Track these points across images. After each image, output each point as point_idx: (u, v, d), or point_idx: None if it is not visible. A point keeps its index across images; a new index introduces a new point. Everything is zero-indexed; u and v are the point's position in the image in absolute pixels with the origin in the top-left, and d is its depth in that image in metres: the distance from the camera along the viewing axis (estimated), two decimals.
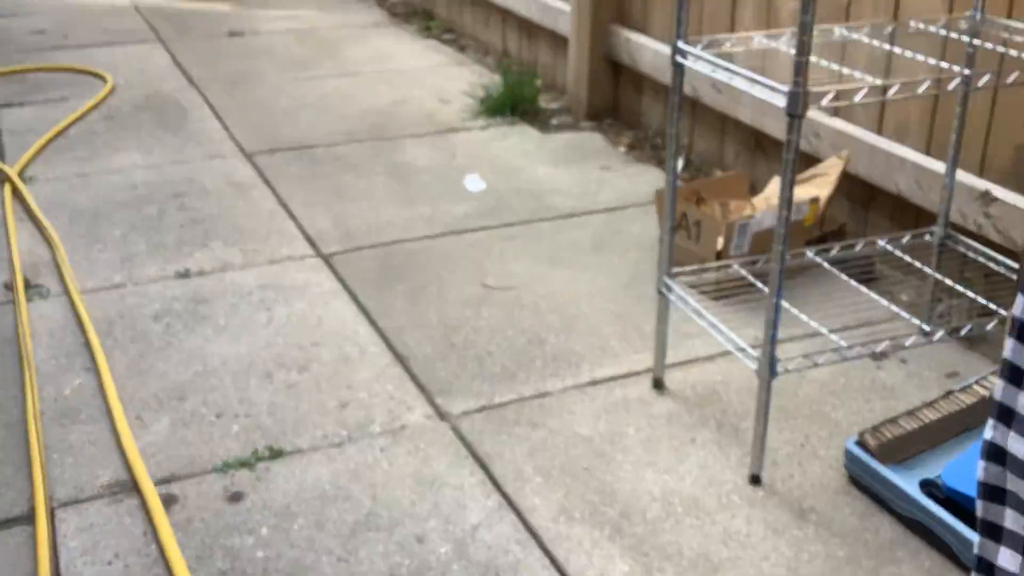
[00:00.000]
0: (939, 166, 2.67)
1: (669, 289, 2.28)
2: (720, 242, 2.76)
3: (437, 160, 3.80)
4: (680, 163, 3.72)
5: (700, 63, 2.05)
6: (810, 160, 3.09)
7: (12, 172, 3.54)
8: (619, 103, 4.18)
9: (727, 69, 1.98)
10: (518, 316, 2.73)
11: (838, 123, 2.99)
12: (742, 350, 2.10)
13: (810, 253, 2.44)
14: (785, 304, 2.09)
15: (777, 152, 3.30)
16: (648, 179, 3.60)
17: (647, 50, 3.83)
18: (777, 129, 3.21)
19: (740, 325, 2.50)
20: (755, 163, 3.42)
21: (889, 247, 2.46)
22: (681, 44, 2.07)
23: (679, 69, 2.12)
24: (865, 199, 3.00)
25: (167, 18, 5.73)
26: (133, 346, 2.57)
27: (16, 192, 3.43)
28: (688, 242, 2.81)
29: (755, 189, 3.28)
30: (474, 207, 3.40)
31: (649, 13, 3.86)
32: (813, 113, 2.99)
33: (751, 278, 2.37)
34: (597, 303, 2.79)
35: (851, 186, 2.97)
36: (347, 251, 3.10)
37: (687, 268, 2.45)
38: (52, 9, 5.87)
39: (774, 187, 3.04)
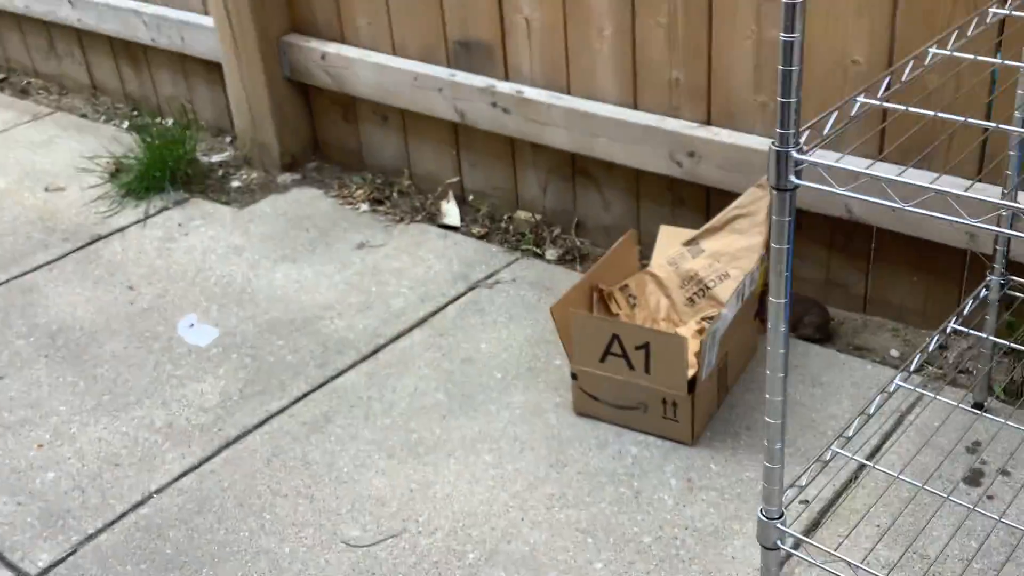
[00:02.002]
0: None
1: (793, 545, 1.34)
2: (692, 370, 1.85)
3: (105, 303, 2.44)
4: (453, 211, 2.70)
5: None
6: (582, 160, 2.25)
7: None
8: (323, 140, 3.03)
9: None
10: None
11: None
12: None
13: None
14: None
15: (618, 177, 2.42)
16: (437, 248, 2.56)
17: (360, 65, 2.72)
18: (613, 151, 2.33)
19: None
20: (584, 197, 2.51)
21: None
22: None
23: None
24: None
25: None
26: None
27: None
28: (632, 374, 1.86)
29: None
30: (220, 388, 2.17)
31: (347, 15, 2.73)
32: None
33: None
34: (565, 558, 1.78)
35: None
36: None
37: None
38: None
39: (668, 243, 2.16)
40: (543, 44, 2.39)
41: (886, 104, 1.22)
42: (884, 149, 1.98)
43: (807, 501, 1.75)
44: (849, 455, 1.50)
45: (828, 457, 1.47)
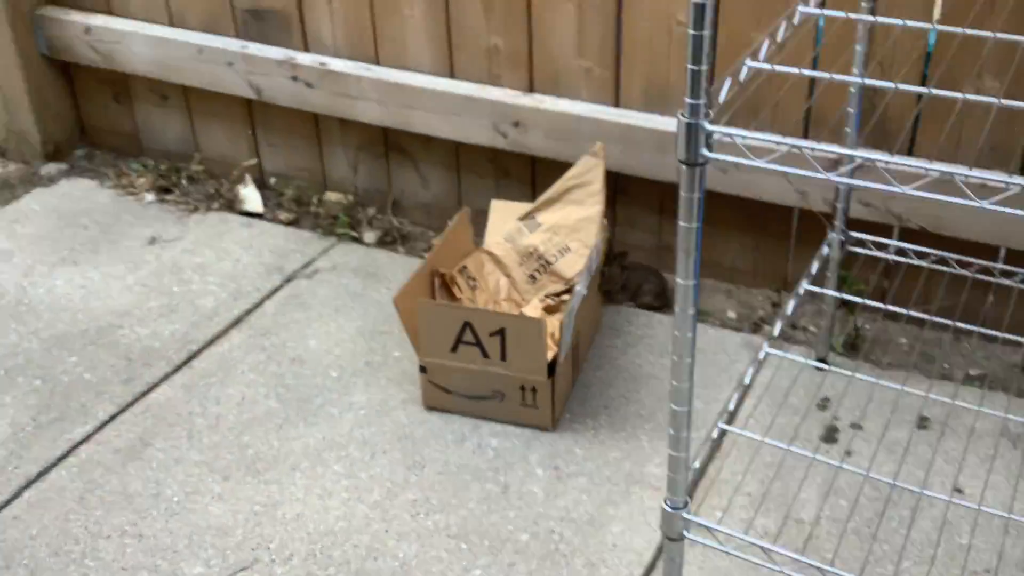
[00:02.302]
0: None
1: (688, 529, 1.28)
2: (550, 352, 1.75)
3: None
4: (253, 196, 2.48)
5: None
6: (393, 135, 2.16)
7: None
8: (91, 125, 2.69)
9: None
10: None
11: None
12: None
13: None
14: None
15: (436, 151, 2.28)
16: (242, 238, 2.33)
17: (134, 39, 2.42)
18: (432, 123, 2.19)
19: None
20: (400, 174, 2.36)
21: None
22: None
23: None
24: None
25: None
26: None
27: None
28: (487, 363, 1.75)
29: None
30: (9, 419, 1.87)
31: None
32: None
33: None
34: None
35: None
36: None
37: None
38: None
39: (502, 218, 2.05)
40: (346, 11, 2.21)
41: (777, 68, 1.16)
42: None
43: None
44: (738, 431, 1.47)
45: (716, 435, 1.42)
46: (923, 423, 1.79)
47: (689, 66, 0.99)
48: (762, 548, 1.24)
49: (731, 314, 2.09)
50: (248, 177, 2.51)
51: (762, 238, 2.10)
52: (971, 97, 1.06)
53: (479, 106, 2.12)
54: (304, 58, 2.27)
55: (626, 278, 2.07)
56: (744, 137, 1.01)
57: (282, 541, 1.62)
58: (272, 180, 2.52)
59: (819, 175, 1.00)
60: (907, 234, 1.85)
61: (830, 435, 1.78)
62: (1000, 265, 1.69)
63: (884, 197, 1.86)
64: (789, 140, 1.02)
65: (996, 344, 1.93)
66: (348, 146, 2.39)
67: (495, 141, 2.15)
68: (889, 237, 1.80)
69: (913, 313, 1.73)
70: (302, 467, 1.75)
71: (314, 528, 1.64)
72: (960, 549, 1.56)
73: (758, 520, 1.61)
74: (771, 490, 1.66)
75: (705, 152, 1.02)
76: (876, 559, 1.55)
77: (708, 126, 1.01)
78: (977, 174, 0.92)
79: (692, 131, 1.01)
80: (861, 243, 1.79)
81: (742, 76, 1.12)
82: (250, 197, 2.48)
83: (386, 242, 2.34)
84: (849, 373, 1.72)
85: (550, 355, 1.73)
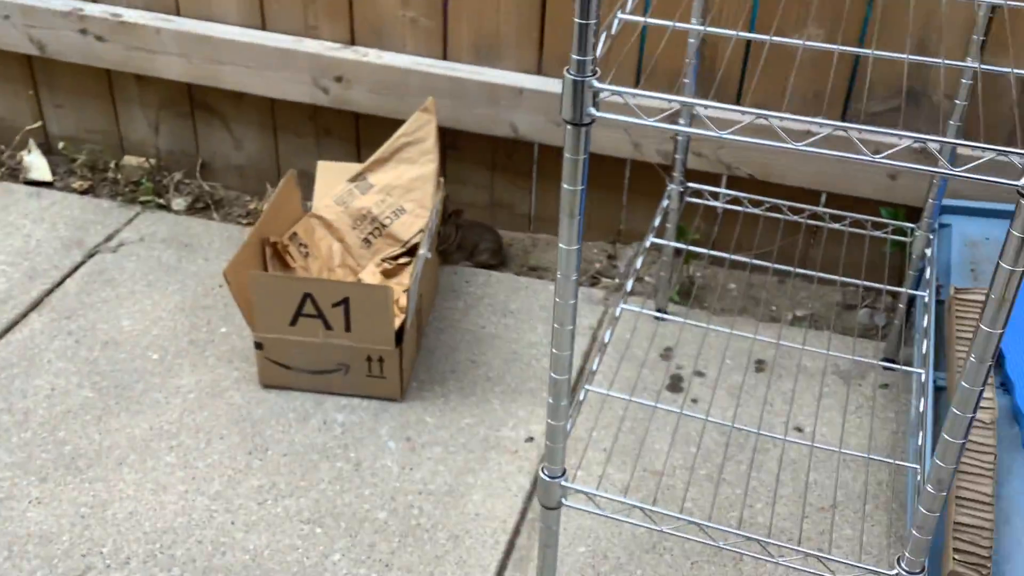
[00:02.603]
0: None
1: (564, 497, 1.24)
2: (399, 319, 1.66)
3: None
4: (40, 163, 2.23)
5: None
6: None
7: None
8: None
9: None
10: None
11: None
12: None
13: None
14: None
15: (249, 110, 2.13)
16: (31, 210, 2.09)
17: None
18: (244, 79, 2.03)
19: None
20: (208, 134, 2.18)
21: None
22: None
23: None
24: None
25: None
26: None
27: None
28: (330, 335, 1.64)
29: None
30: None
31: None
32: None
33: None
34: None
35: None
36: None
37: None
38: None
39: (330, 180, 1.93)
40: None
41: (649, 20, 1.12)
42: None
43: (532, 438, 1.68)
44: (599, 390, 1.45)
45: (582, 397, 1.40)
46: (759, 366, 1.84)
47: (577, 20, 0.93)
48: (642, 510, 1.23)
49: None
50: (32, 142, 2.26)
51: (595, 191, 2.09)
52: (811, 44, 1.06)
53: (296, 60, 1.99)
54: (93, 8, 2.05)
55: (461, 236, 2.01)
56: (634, 95, 0.96)
57: (116, 544, 1.48)
58: (60, 145, 2.28)
59: (711, 134, 0.97)
60: (740, 184, 1.89)
61: (675, 384, 1.80)
62: (830, 210, 1.75)
63: (715, 146, 1.88)
64: (680, 98, 0.98)
65: (822, 285, 2.01)
66: (148, 105, 2.19)
67: (315, 97, 2.02)
68: (720, 187, 1.82)
69: (740, 258, 1.77)
70: (129, 461, 1.61)
71: (151, 526, 1.51)
72: (804, 486, 1.62)
73: (613, 474, 1.61)
74: (623, 443, 1.67)
75: (592, 111, 0.97)
76: (729, 503, 1.58)
77: (596, 84, 0.95)
78: (791, 117, 0.92)
79: (579, 89, 0.95)
80: (698, 194, 1.81)
81: (614, 30, 1.08)
82: (36, 164, 2.23)
83: (198, 209, 2.17)
84: (692, 322, 1.74)
85: (397, 323, 1.66)
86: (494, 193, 2.12)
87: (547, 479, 1.23)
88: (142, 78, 2.14)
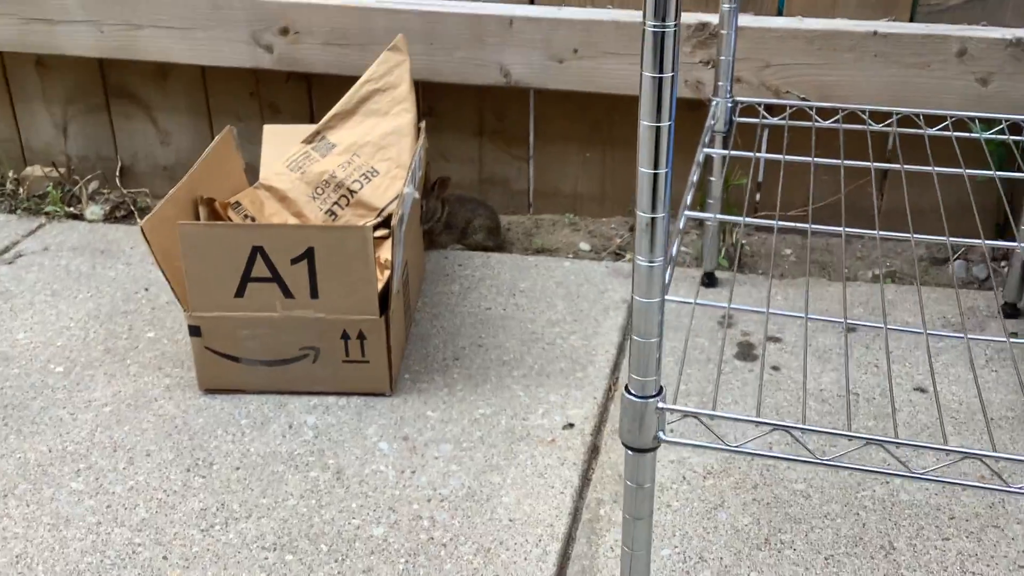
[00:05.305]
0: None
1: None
2: (383, 280, 1.25)
3: None
4: None
5: None
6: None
7: None
8: None
9: None
10: None
11: None
12: None
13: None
14: None
15: (177, 91, 1.74)
16: None
17: None
18: (174, 46, 1.66)
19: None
20: (128, 130, 1.79)
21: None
22: None
23: None
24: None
25: None
26: None
27: None
28: (291, 304, 1.22)
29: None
30: None
31: None
32: None
33: None
34: None
35: None
36: None
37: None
38: None
39: (280, 145, 1.54)
40: None
41: None
42: None
43: (572, 424, 1.25)
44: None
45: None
46: (849, 327, 1.44)
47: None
48: (788, 430, 0.80)
49: (584, 246, 1.68)
50: None
51: (607, 162, 1.71)
52: None
53: (230, 11, 1.62)
54: None
55: (450, 213, 1.62)
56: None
57: None
58: None
59: None
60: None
61: (746, 352, 1.39)
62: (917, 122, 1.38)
63: (759, 66, 1.52)
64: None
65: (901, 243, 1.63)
66: (52, 100, 1.80)
67: (257, 59, 1.65)
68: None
69: (795, 226, 1.40)
70: (18, 492, 1.14)
71: (48, 571, 1.04)
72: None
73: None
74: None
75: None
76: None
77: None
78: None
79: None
80: (751, 111, 1.44)
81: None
82: None
83: (118, 217, 1.76)
84: (751, 287, 1.35)
85: (380, 284, 1.24)
86: (483, 167, 1.74)
87: (635, 398, 0.80)
88: (43, 62, 1.75)
